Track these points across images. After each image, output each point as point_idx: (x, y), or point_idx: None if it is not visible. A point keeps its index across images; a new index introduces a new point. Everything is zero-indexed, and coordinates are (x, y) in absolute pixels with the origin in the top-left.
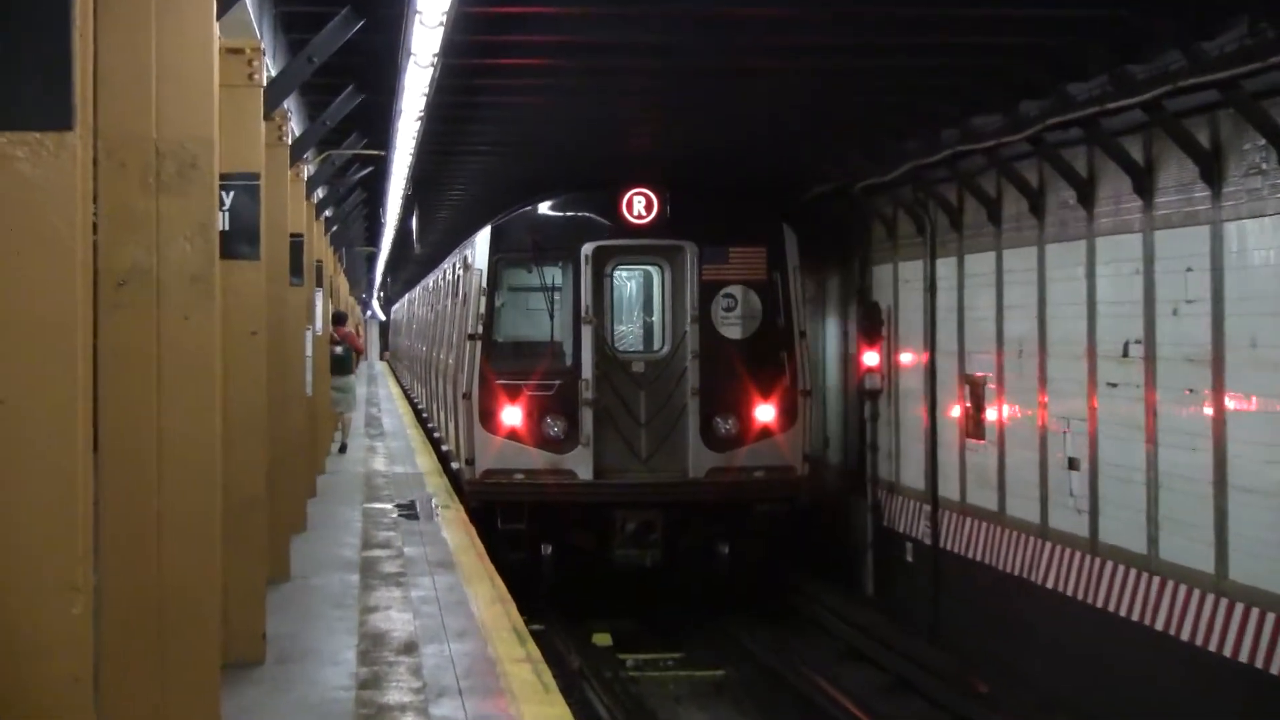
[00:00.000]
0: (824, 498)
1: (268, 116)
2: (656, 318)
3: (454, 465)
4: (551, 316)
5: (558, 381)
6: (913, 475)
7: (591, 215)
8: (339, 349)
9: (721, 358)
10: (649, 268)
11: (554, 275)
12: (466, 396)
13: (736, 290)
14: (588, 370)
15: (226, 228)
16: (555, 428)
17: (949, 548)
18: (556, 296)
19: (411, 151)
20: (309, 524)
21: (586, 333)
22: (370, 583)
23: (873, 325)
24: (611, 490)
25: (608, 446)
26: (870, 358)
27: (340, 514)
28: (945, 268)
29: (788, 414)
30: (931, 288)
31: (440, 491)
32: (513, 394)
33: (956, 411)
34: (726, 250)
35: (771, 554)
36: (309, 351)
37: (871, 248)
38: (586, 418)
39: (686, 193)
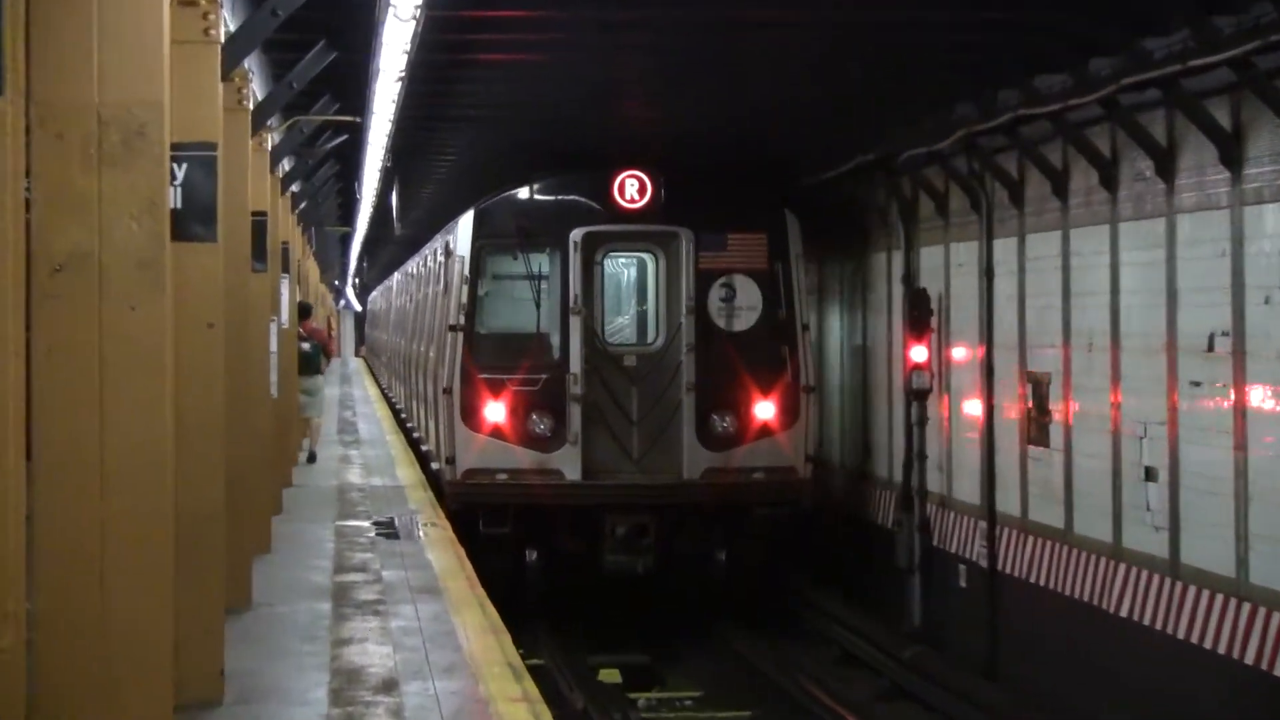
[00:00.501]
0: (856, 510)
1: (225, 78)
2: (650, 309)
3: (434, 465)
4: (538, 307)
5: (544, 376)
6: (967, 488)
7: (581, 199)
8: (306, 345)
9: (719, 351)
10: (642, 255)
11: (541, 263)
12: (447, 391)
13: (735, 280)
14: (576, 364)
15: (178, 205)
16: (541, 425)
17: (1008, 570)
18: (543, 285)
19: (391, 117)
20: (274, 544)
21: (575, 324)
22: (344, 611)
23: (921, 316)
24: (601, 492)
25: (597, 445)
26: (918, 353)
27: (310, 533)
28: (1004, 249)
29: (789, 411)
30: (988, 272)
31: (424, 507)
32: (496, 389)
33: (1017, 414)
34: (724, 237)
35: (772, 559)
36: (274, 347)
37: (918, 227)
38: (575, 414)
39: (682, 176)
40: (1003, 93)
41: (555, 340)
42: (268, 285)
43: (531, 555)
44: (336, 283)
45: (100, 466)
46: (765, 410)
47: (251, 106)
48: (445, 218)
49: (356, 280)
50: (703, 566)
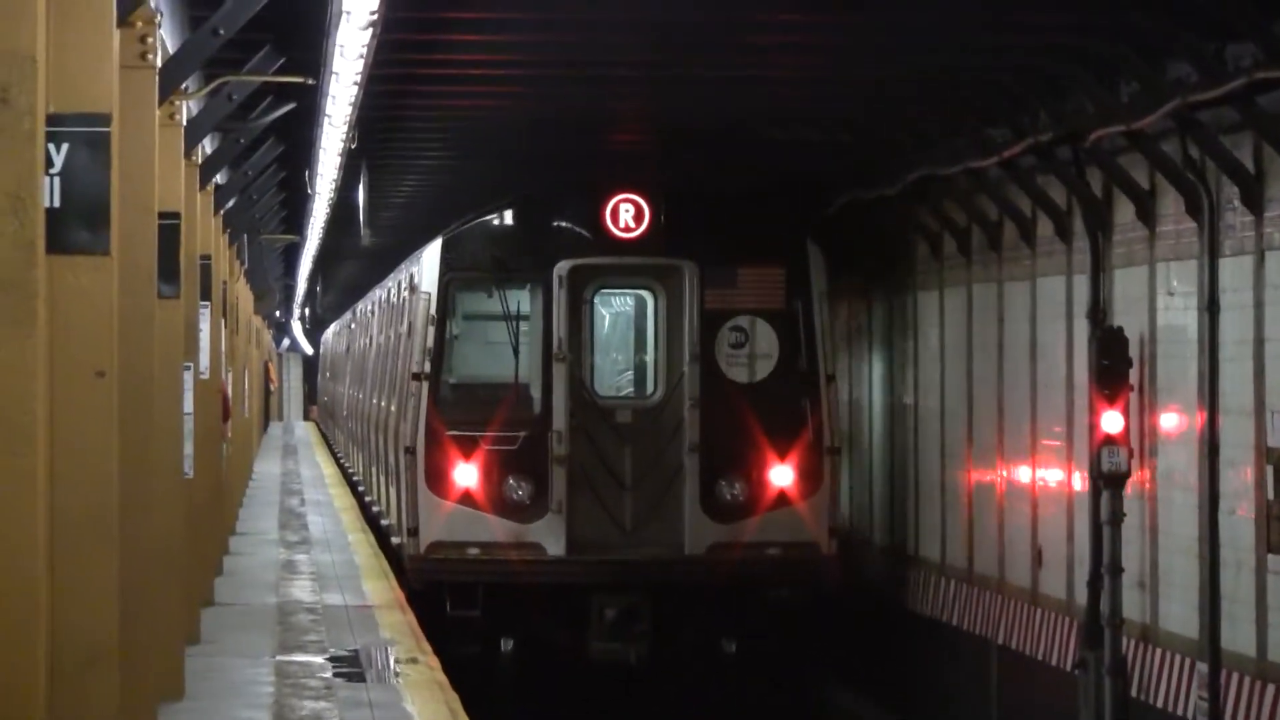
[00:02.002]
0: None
1: (124, 21)
2: (647, 355)
3: (394, 540)
4: (516, 352)
5: (523, 433)
6: (1179, 615)
7: (568, 226)
8: None
9: (728, 406)
10: (639, 292)
11: (520, 301)
12: (410, 451)
13: (747, 322)
14: (561, 420)
15: (56, 203)
16: (519, 491)
17: None
18: (523, 327)
19: (357, 78)
20: (188, 688)
21: (559, 373)
22: None
23: (1115, 367)
24: (588, 569)
25: (584, 515)
26: (1110, 421)
27: (238, 671)
28: (1235, 271)
29: (810, 477)
30: (1212, 304)
31: (401, 635)
32: (467, 449)
33: (1252, 508)
34: (735, 271)
35: (788, 652)
36: (188, 406)
37: (1110, 239)
38: (558, 479)
39: (686, 199)
40: (1232, 47)
41: (536, 392)
42: (180, 317)
43: (506, 644)
44: (278, 313)
45: None
46: (782, 476)
47: (159, 62)
48: (434, 224)
49: (306, 311)
50: (708, 659)
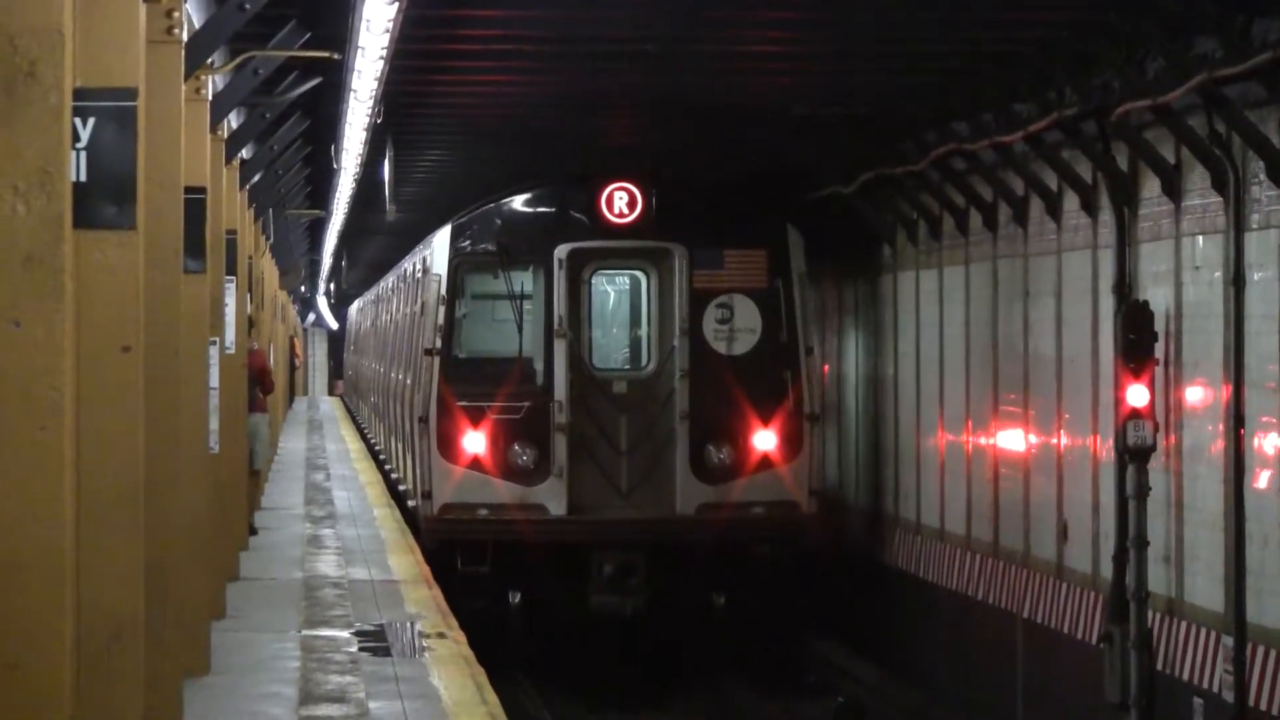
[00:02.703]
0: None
1: None
2: (641, 331)
3: (410, 503)
4: (520, 329)
5: (527, 404)
6: (1205, 588)
7: (567, 213)
8: None
9: (715, 377)
10: (633, 273)
11: (523, 282)
12: (423, 420)
13: (733, 300)
14: (561, 391)
15: (82, 178)
16: (524, 457)
17: (1264, 707)
18: (526, 306)
19: (383, 52)
20: (214, 662)
21: (560, 348)
22: None
23: (1141, 341)
24: (587, 528)
25: (584, 478)
26: (1136, 395)
27: (264, 646)
28: (1261, 246)
29: (791, 442)
30: (1238, 278)
31: (427, 609)
32: (475, 418)
33: (1278, 482)
34: (721, 254)
35: (773, 605)
36: (214, 381)
37: (1136, 213)
38: (559, 445)
39: (676, 187)
40: (1259, 22)
41: (539, 365)
42: (206, 292)
43: (513, 597)
44: (303, 289)
45: None
46: (766, 441)
47: (185, 37)
48: (458, 199)
49: (332, 286)
50: (698, 610)
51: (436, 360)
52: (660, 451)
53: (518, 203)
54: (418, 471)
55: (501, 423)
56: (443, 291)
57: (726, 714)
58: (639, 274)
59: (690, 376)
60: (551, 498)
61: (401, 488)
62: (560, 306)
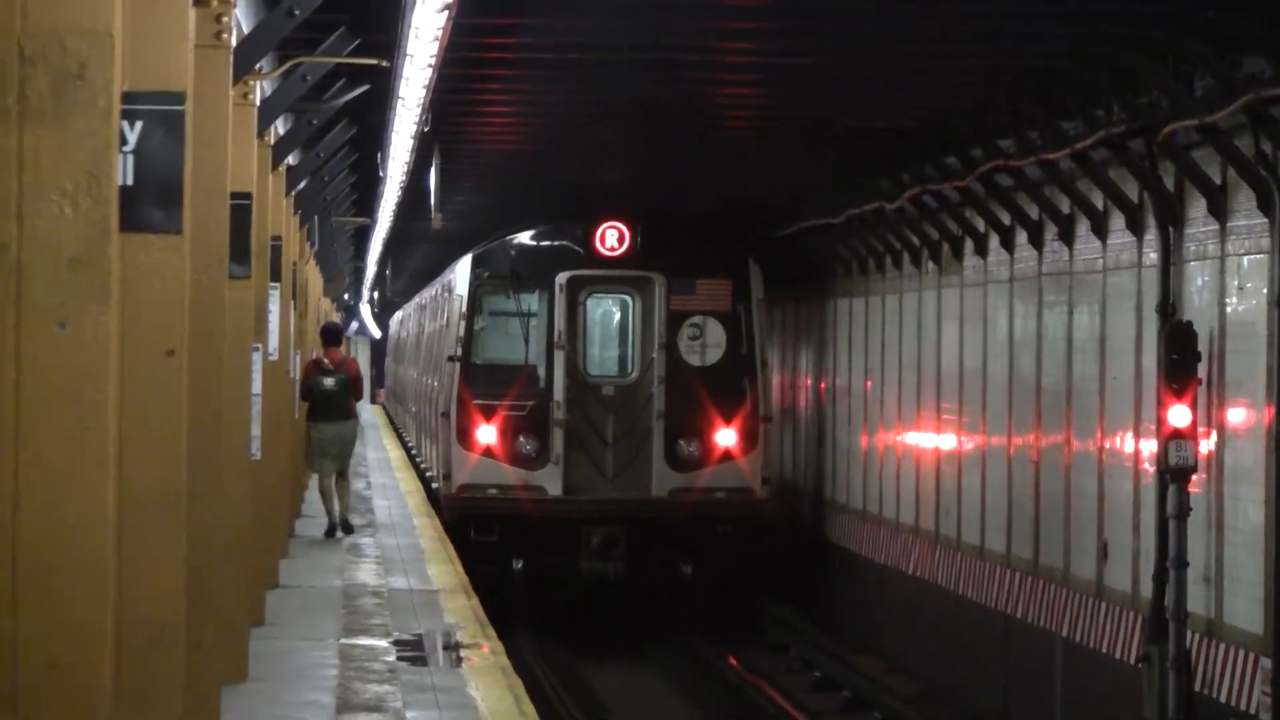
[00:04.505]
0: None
1: (199, 1)
2: (627, 345)
3: (434, 485)
4: (527, 341)
5: (531, 402)
6: (1245, 609)
7: (567, 245)
8: (330, 381)
9: (687, 384)
10: (620, 297)
11: (530, 302)
12: (445, 415)
13: (703, 320)
14: (559, 393)
15: (129, 181)
16: (528, 446)
17: None
18: (532, 322)
19: (432, 60)
20: (252, 669)
21: (559, 357)
22: None
23: (1184, 361)
24: (579, 506)
25: (576, 465)
26: (1178, 415)
27: (303, 654)
28: None
29: (749, 438)
30: None
31: (466, 619)
32: (488, 413)
33: None
34: (694, 282)
35: (733, 574)
36: (256, 387)
37: (1182, 232)
38: (557, 437)
39: (657, 226)
40: None
41: (542, 371)
42: (250, 298)
43: (517, 563)
44: (347, 297)
45: (12, 556)
46: (727, 437)
47: (234, 42)
48: (506, 207)
49: (375, 294)
50: (670, 577)
51: (458, 366)
52: (640, 444)
53: (526, 237)
54: (440, 456)
55: (510, 418)
56: (464, 309)
57: (692, 663)
58: (626, 297)
59: (666, 383)
60: (550, 481)
61: (428, 474)
62: (560, 323)
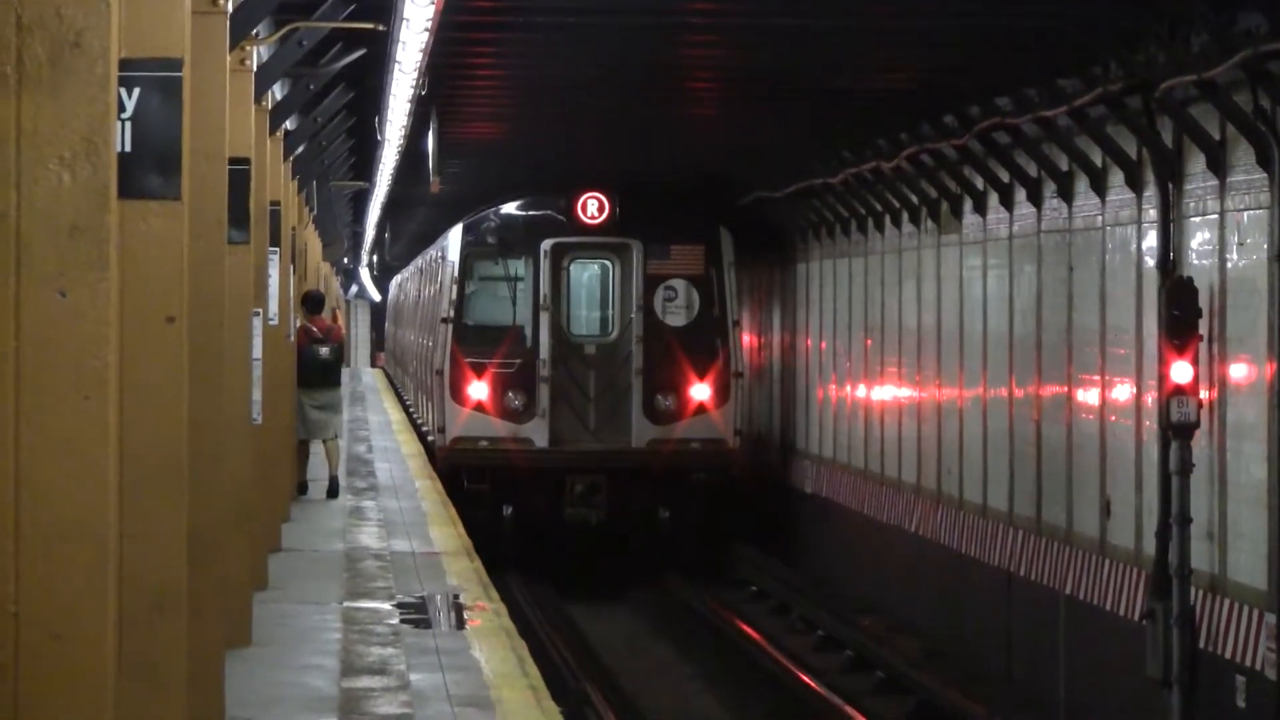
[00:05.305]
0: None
1: None
2: (607, 307)
3: (429, 438)
4: (514, 304)
5: (519, 361)
6: (1249, 565)
7: (550, 215)
8: (325, 350)
9: (663, 343)
10: (601, 262)
11: (517, 268)
12: (439, 373)
13: (677, 283)
14: (545, 351)
15: (127, 148)
16: (516, 401)
17: None
18: (519, 286)
19: (428, 23)
20: (255, 634)
21: (545, 319)
22: None
23: (1185, 318)
24: (564, 456)
25: (561, 418)
26: (1180, 372)
27: (306, 617)
28: None
29: (721, 393)
30: None
31: (469, 582)
32: (479, 371)
33: None
34: (669, 248)
35: (707, 520)
36: (257, 352)
37: (1181, 187)
38: (543, 392)
39: (635, 196)
40: None
41: (529, 331)
42: (250, 263)
43: (506, 510)
44: (346, 260)
45: (14, 523)
46: (701, 392)
47: (230, 8)
48: (504, 171)
49: (374, 258)
50: (648, 522)
51: (450, 326)
52: (620, 399)
53: (513, 207)
54: (434, 411)
55: (499, 375)
56: (455, 274)
57: (668, 601)
58: (606, 262)
59: (644, 342)
60: (536, 433)
61: (424, 428)
62: (545, 287)
